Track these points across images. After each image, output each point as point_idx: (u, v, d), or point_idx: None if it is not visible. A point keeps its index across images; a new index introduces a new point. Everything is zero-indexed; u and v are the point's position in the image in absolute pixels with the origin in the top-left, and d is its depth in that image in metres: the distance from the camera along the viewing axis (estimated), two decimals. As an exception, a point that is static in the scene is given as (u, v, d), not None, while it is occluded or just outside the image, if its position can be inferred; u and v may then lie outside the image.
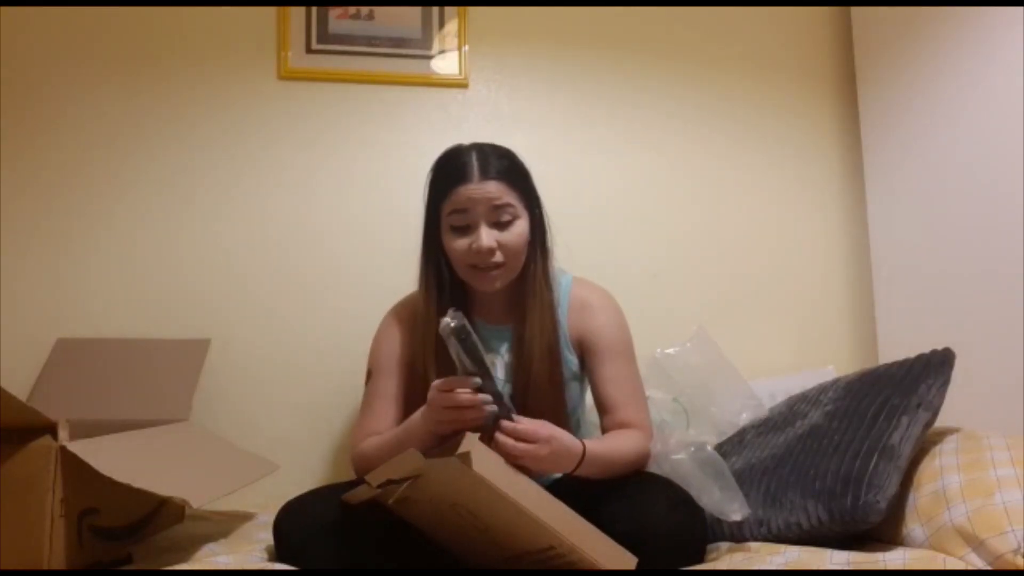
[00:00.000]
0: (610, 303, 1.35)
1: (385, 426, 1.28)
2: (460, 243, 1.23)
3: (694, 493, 1.17)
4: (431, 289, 1.29)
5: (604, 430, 1.27)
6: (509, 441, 1.04)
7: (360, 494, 1.09)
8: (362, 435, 1.29)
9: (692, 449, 1.24)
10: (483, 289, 1.27)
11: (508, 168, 1.26)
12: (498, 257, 1.23)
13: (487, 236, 1.21)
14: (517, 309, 1.29)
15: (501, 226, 1.23)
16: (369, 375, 1.37)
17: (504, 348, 1.31)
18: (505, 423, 1.06)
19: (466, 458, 0.93)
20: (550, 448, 1.06)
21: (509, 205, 1.23)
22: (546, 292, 1.28)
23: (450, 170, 1.26)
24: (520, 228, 1.25)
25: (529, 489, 1.00)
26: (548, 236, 1.33)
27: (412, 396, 1.28)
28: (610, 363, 1.28)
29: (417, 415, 1.17)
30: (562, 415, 1.27)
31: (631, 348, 1.33)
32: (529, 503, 0.97)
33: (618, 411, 1.25)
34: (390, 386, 1.31)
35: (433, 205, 1.28)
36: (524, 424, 1.07)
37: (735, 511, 1.18)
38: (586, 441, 1.13)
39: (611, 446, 1.19)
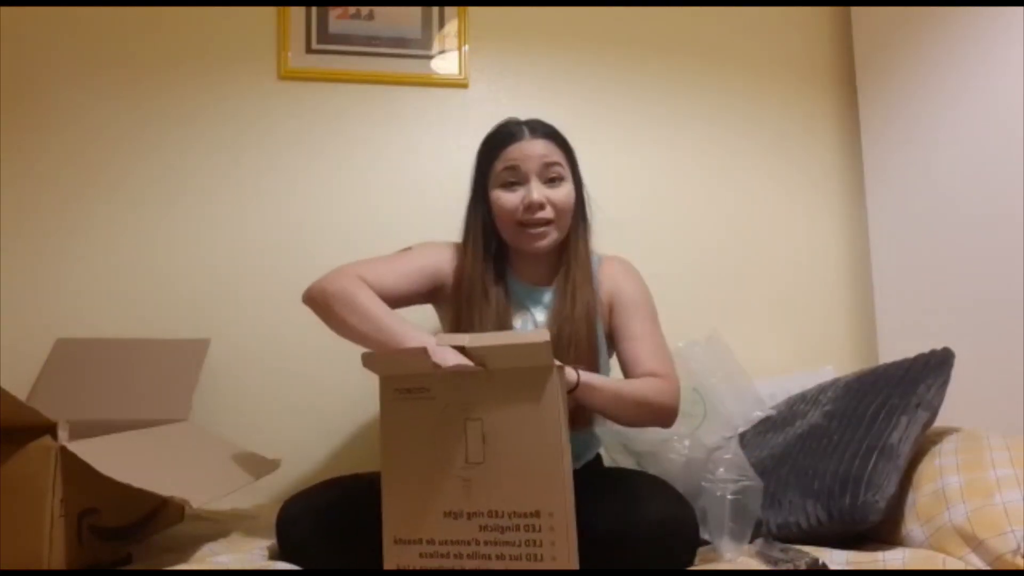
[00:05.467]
0: (635, 270, 1.38)
1: (380, 289, 1.21)
2: (511, 199, 1.26)
3: (711, 524, 1.16)
4: (474, 246, 1.30)
5: None
6: None
7: (410, 353, 1.01)
8: (362, 272, 1.23)
9: (737, 487, 1.20)
10: (530, 249, 1.28)
11: (556, 133, 1.32)
12: (547, 212, 1.26)
13: (538, 190, 1.25)
14: (556, 274, 1.32)
15: (550, 183, 1.27)
16: (406, 249, 1.35)
17: (538, 309, 1.32)
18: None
19: (551, 371, 0.94)
20: None
21: (558, 164, 1.28)
22: (587, 263, 1.31)
23: (501, 134, 1.31)
24: (568, 188, 1.29)
25: (567, 445, 0.96)
26: (588, 214, 1.36)
27: (410, 302, 1.29)
28: (636, 321, 1.29)
29: (417, 330, 1.12)
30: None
31: (655, 311, 1.33)
32: (566, 454, 0.95)
33: (643, 365, 1.24)
34: (413, 271, 1.29)
35: (483, 168, 1.32)
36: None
37: (726, 552, 1.15)
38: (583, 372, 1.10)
39: (621, 383, 1.18)
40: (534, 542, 0.94)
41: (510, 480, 0.96)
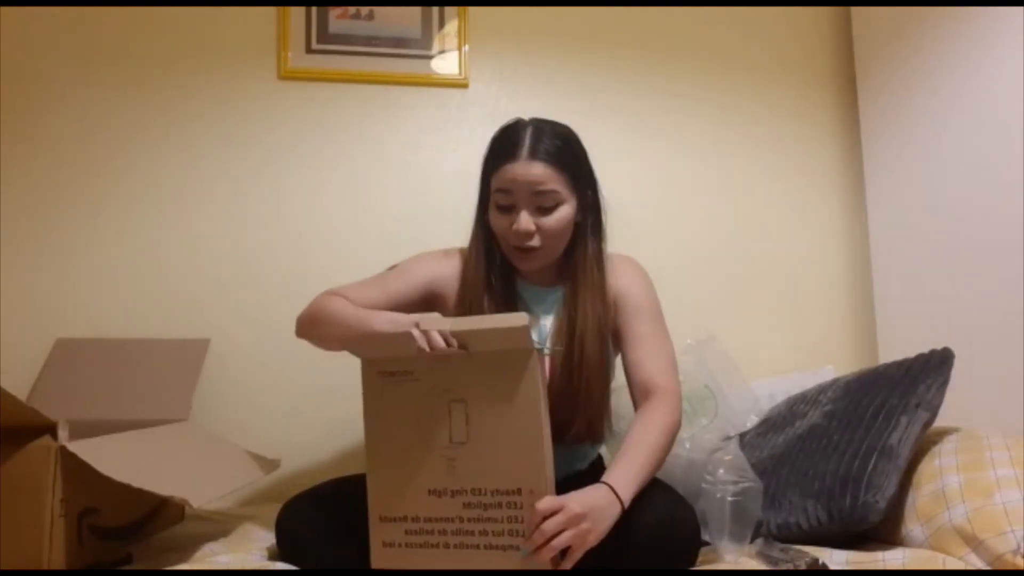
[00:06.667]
0: (642, 270, 1.35)
1: (367, 305, 1.22)
2: (502, 221, 1.24)
3: (711, 526, 1.16)
4: (480, 250, 1.29)
5: (631, 391, 1.25)
6: (554, 532, 0.94)
7: (395, 337, 1.02)
8: (341, 292, 1.25)
9: (737, 489, 1.19)
10: (521, 268, 1.28)
11: (559, 150, 1.23)
12: (535, 241, 1.23)
13: (525, 220, 1.21)
14: (562, 275, 1.30)
15: (543, 211, 1.22)
16: (389, 269, 1.35)
17: (544, 311, 1.30)
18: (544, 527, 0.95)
19: (531, 354, 0.97)
20: (590, 521, 0.96)
21: (553, 191, 1.22)
22: (596, 273, 1.27)
23: (503, 145, 1.25)
24: (562, 213, 1.23)
25: (547, 425, 1.00)
26: (603, 218, 1.32)
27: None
28: (640, 321, 1.27)
29: (386, 312, 1.15)
30: (606, 395, 1.27)
31: (660, 310, 1.31)
32: (546, 434, 0.98)
33: (644, 370, 1.22)
34: (404, 284, 1.29)
35: (485, 178, 1.29)
36: (554, 517, 0.95)
37: (727, 553, 1.15)
38: (612, 479, 1.03)
39: (648, 453, 1.09)
40: (516, 519, 0.98)
41: (493, 459, 0.99)
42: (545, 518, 0.95)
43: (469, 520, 1.00)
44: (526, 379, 0.98)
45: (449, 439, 1.01)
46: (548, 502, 0.95)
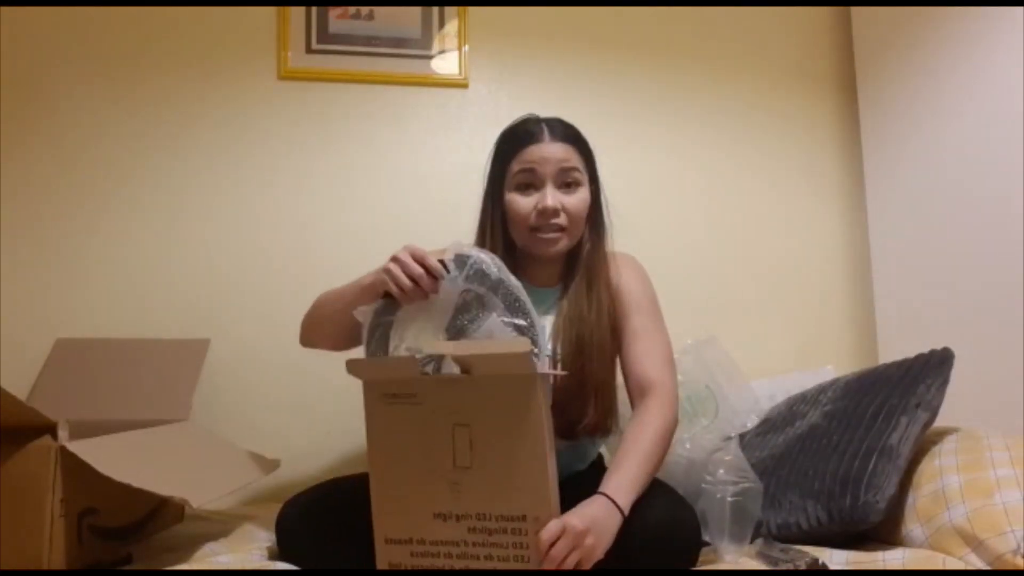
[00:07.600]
0: (640, 266, 1.36)
1: None
2: (525, 203, 1.24)
3: (711, 526, 1.16)
4: (498, 246, 1.27)
5: (627, 387, 1.25)
6: (562, 556, 0.94)
7: (397, 361, 1.05)
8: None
9: (737, 489, 1.19)
10: (542, 253, 1.27)
11: (576, 136, 1.29)
12: (561, 219, 1.24)
13: (552, 196, 1.23)
14: (562, 276, 1.30)
15: (566, 188, 1.25)
16: None
17: (544, 310, 1.28)
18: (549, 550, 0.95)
19: (535, 379, 0.96)
20: (593, 535, 0.96)
21: (575, 169, 1.25)
22: (603, 265, 1.28)
23: (520, 133, 1.28)
24: (583, 194, 1.26)
25: (552, 450, 0.98)
26: (605, 215, 1.33)
27: None
28: (636, 316, 1.27)
29: (373, 272, 1.15)
30: (613, 386, 1.27)
31: (658, 307, 1.31)
32: (551, 462, 0.97)
33: (639, 364, 1.22)
34: None
35: (499, 167, 1.29)
36: (560, 542, 0.94)
37: (727, 554, 1.16)
38: (610, 488, 1.03)
39: (641, 456, 1.09)
40: (521, 544, 0.97)
41: (497, 484, 0.98)
42: (551, 545, 0.94)
43: (474, 544, 0.99)
44: (530, 405, 0.97)
45: (453, 463, 1.00)
46: (552, 529, 0.94)
